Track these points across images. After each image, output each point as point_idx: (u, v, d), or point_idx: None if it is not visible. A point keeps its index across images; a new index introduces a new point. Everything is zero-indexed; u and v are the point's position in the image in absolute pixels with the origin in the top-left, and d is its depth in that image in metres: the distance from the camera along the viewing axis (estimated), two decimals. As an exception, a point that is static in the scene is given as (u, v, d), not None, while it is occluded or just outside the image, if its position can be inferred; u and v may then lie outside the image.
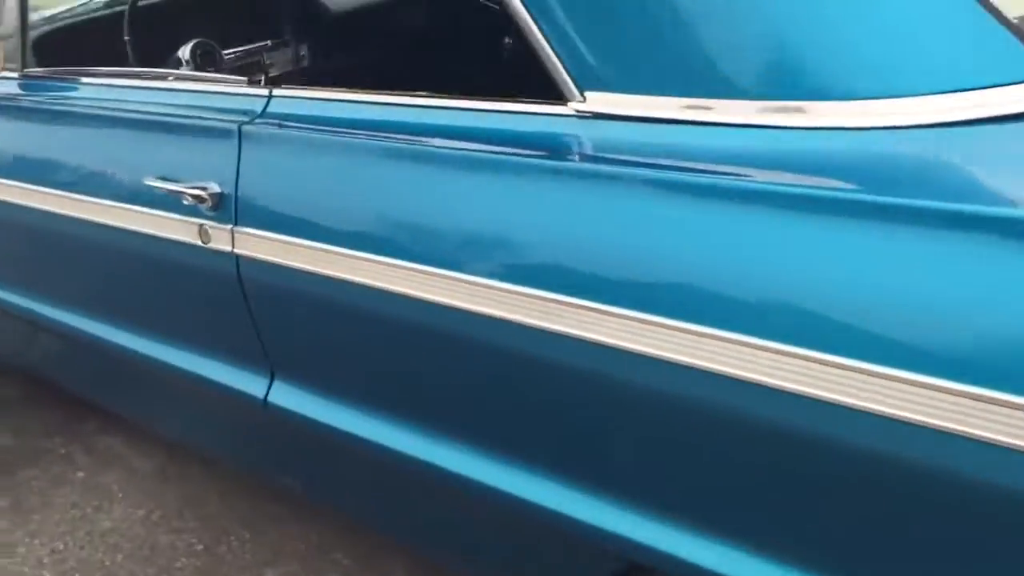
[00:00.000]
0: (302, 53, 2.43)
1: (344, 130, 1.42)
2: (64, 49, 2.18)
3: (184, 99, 1.64)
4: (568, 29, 1.19)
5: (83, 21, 2.37)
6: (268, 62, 2.41)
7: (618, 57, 1.17)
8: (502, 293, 1.22)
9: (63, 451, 2.55)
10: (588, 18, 1.18)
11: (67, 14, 2.45)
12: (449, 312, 1.28)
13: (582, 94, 1.19)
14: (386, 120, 1.39)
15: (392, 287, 1.34)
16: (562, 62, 1.20)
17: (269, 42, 2.40)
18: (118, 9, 2.41)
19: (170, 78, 1.74)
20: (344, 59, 2.57)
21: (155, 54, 2.16)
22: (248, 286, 1.53)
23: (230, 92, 1.58)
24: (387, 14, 2.87)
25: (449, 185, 1.31)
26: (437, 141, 1.34)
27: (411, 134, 1.36)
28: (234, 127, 1.51)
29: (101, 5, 2.54)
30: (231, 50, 2.31)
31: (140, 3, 2.13)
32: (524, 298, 1.19)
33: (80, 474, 2.44)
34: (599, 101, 1.19)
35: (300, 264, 1.44)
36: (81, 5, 2.56)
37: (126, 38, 2.09)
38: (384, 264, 1.34)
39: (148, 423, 2.28)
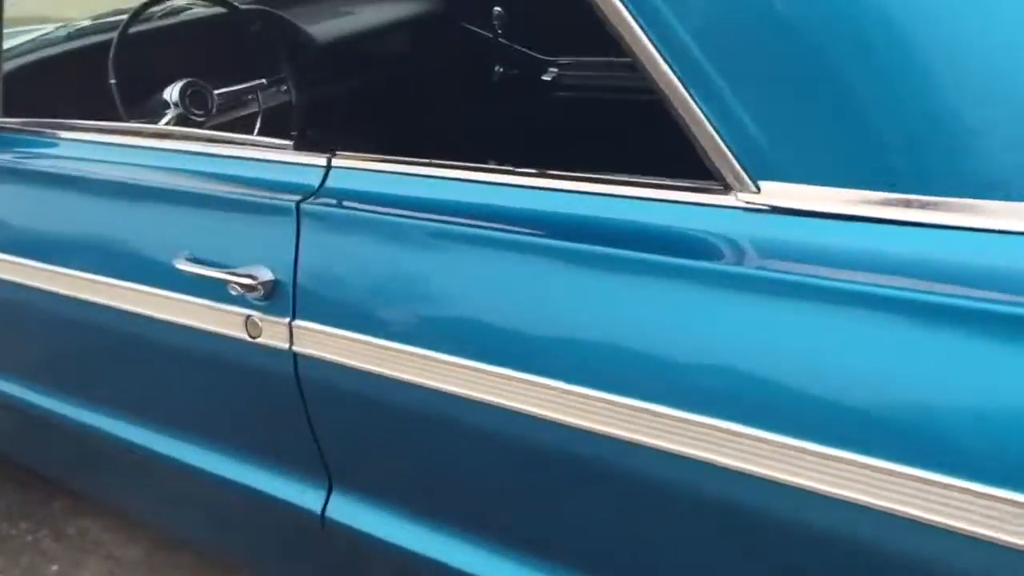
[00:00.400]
0: (302, 95, 2.19)
1: (431, 214, 1.20)
2: (38, 89, 1.90)
3: (221, 167, 1.40)
4: (738, 104, 1.00)
5: (57, 55, 2.08)
6: (263, 102, 2.17)
7: (805, 140, 0.99)
8: (633, 413, 1.04)
9: (30, 538, 2.27)
10: (766, 90, 0.99)
11: (35, 44, 2.15)
12: (560, 431, 1.10)
13: (755, 183, 1.00)
14: (483, 204, 1.19)
15: (490, 399, 1.15)
16: (728, 144, 1.01)
17: (264, 80, 2.15)
18: (90, 41, 2.14)
19: (198, 139, 1.49)
20: (402, 117, 2.35)
21: (142, 96, 1.92)
22: (308, 388, 1.31)
23: (278, 160, 1.35)
24: (423, 51, 2.65)
25: (569, 288, 1.11)
26: (550, 232, 1.13)
27: (516, 223, 1.15)
28: (290, 205, 1.29)
29: (64, 37, 2.25)
30: (223, 89, 2.07)
31: (130, 31, 1.86)
32: (669, 422, 1.02)
33: (54, 567, 2.16)
34: (778, 193, 1.00)
35: (374, 367, 1.23)
36: (49, 32, 2.27)
37: (112, 81, 1.82)
38: (479, 372, 1.15)
39: (168, 529, 2.01)
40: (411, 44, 2.75)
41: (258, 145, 1.40)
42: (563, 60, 2.76)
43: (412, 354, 1.19)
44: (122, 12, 2.39)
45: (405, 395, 1.22)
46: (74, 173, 1.58)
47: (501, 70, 2.85)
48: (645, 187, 1.09)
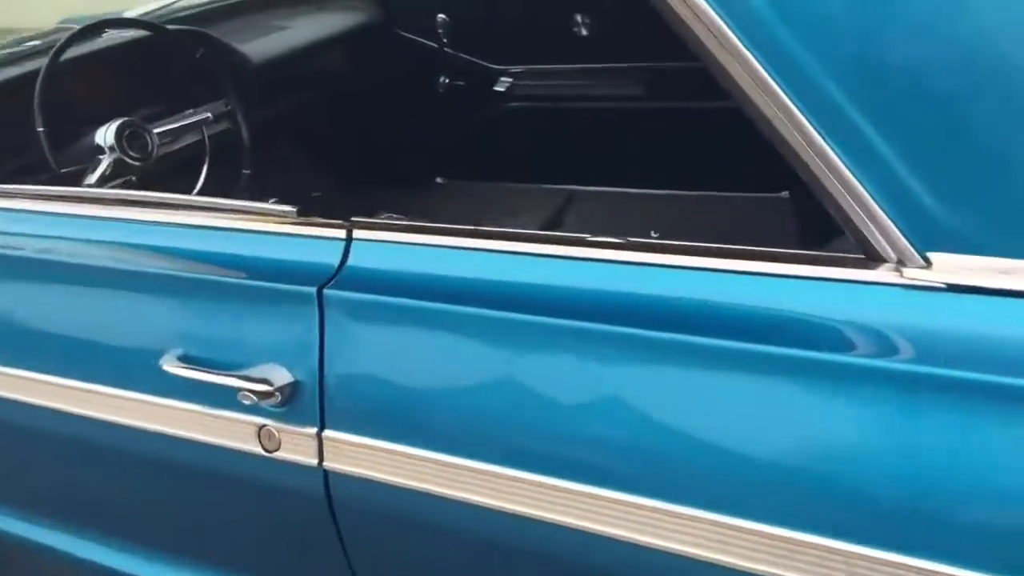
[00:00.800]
0: (251, 127, 1.93)
1: (482, 299, 0.99)
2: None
3: (214, 243, 1.15)
4: (898, 159, 0.82)
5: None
6: (209, 133, 1.90)
7: (991, 200, 0.81)
8: (769, 544, 0.86)
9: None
10: (936, 139, 0.81)
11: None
12: (655, 558, 0.91)
13: (923, 256, 0.82)
14: (546, 285, 0.98)
15: (574, 523, 0.95)
16: (887, 208, 0.83)
17: (210, 115, 1.89)
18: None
19: (178, 206, 1.23)
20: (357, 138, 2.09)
21: (69, 139, 1.65)
22: (342, 511, 1.09)
23: (286, 233, 1.11)
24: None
25: (667, 392, 0.92)
26: (642, 321, 0.92)
27: (594, 310, 0.94)
28: (310, 292, 1.05)
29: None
30: (162, 128, 1.80)
31: (61, 59, 1.59)
32: (818, 554, 0.84)
33: None
34: (954, 267, 0.82)
35: (426, 485, 1.01)
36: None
37: (40, 129, 1.55)
38: (564, 492, 0.95)
39: None
40: (352, 59, 2.51)
41: (254, 213, 1.15)
42: (516, 69, 2.55)
43: (474, 471, 0.99)
44: (25, 39, 2.10)
45: (463, 516, 1.01)
46: (16, 253, 1.30)
47: (447, 81, 2.64)
48: (769, 260, 0.90)
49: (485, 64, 2.56)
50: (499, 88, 2.56)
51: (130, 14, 2.16)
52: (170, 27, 1.93)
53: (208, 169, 1.86)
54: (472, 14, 2.49)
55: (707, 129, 2.28)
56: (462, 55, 2.58)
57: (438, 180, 2.71)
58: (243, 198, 1.88)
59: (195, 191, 1.83)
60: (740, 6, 0.82)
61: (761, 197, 2.34)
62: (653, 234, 2.26)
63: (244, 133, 1.90)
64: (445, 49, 2.57)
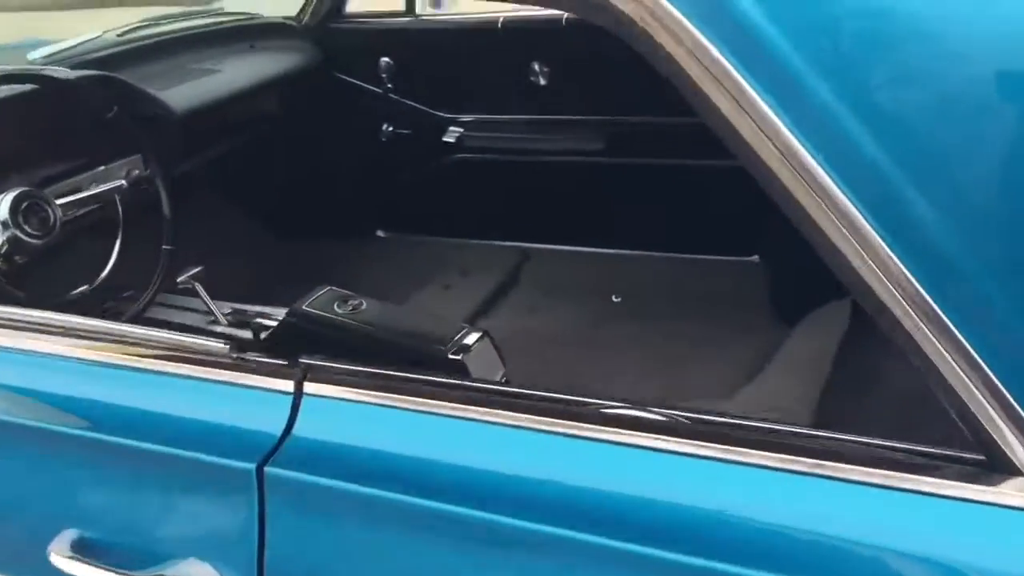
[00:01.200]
0: (172, 196, 1.67)
1: (483, 500, 0.76)
2: None
3: (127, 392, 0.90)
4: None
5: None
6: (122, 198, 1.64)
7: None
8: None
9: None
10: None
11: None
12: None
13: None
14: (557, 486, 0.75)
15: None
16: (1016, 395, 0.62)
17: (123, 182, 1.63)
18: None
19: (82, 336, 0.96)
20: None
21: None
22: None
23: (215, 380, 0.87)
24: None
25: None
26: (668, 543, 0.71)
27: (617, 525, 0.72)
28: (248, 469, 0.81)
29: None
30: (66, 196, 1.54)
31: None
32: None
33: None
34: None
35: None
36: None
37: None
38: None
39: None
40: (287, 105, 2.27)
41: (178, 351, 0.90)
42: (466, 118, 2.34)
43: None
44: None
45: None
46: None
47: (391, 129, 2.43)
48: (844, 461, 0.68)
49: (433, 112, 2.36)
50: (448, 138, 2.36)
51: (35, 55, 1.88)
52: (78, 74, 1.65)
53: (121, 245, 1.60)
54: (418, 58, 2.28)
55: (672, 187, 2.12)
56: (407, 102, 2.37)
57: (379, 233, 2.50)
58: (163, 278, 1.62)
59: (106, 271, 1.57)
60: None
61: (730, 260, 2.18)
62: (615, 299, 2.08)
63: (165, 204, 1.63)
64: (390, 95, 2.36)
